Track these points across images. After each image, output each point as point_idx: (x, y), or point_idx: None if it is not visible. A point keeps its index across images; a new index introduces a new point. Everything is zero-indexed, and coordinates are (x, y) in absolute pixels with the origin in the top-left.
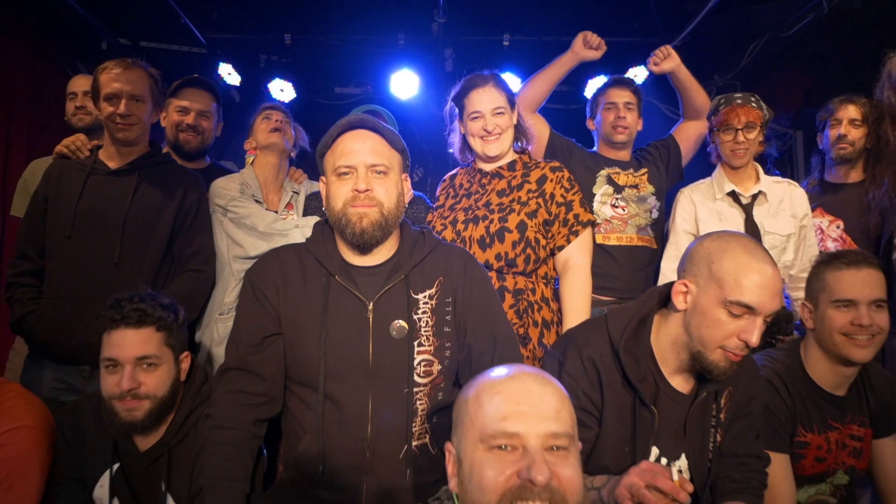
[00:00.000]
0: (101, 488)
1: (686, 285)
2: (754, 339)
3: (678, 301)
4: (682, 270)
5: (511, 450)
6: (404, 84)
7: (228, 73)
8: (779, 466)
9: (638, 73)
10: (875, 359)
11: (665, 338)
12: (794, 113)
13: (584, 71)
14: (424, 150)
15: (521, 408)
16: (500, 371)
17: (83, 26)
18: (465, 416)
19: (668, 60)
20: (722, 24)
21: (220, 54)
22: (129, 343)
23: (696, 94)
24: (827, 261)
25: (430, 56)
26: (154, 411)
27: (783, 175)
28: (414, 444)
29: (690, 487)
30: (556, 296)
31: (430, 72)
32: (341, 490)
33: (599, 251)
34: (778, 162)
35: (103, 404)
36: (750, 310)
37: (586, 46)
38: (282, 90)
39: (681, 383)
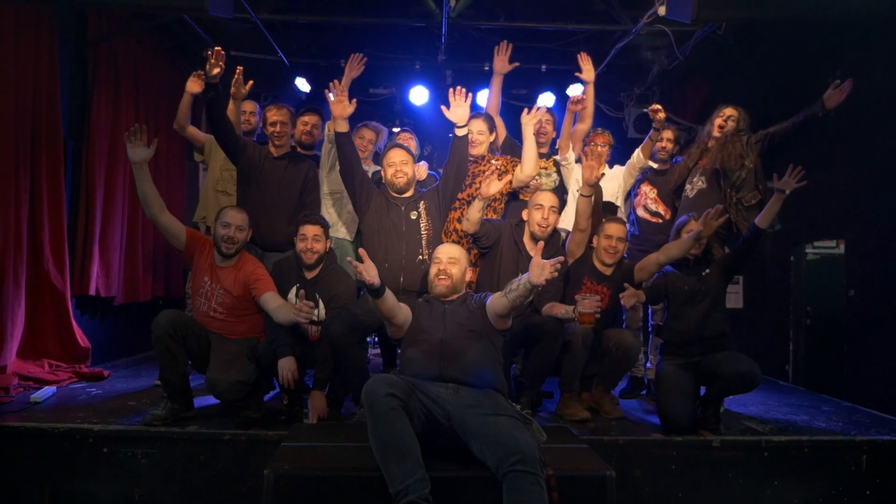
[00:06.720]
0: (291, 294)
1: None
2: (546, 214)
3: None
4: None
5: (437, 262)
6: (419, 95)
7: (302, 84)
8: None
9: (576, 87)
10: None
11: (526, 226)
12: (696, 111)
13: (538, 85)
14: (431, 135)
15: (441, 250)
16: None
17: (195, 42)
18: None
19: (589, 72)
20: (630, 60)
21: (297, 71)
22: (310, 230)
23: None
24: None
25: (436, 76)
26: (317, 260)
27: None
28: (423, 258)
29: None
30: None
31: (436, 86)
32: (392, 279)
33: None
34: (688, 143)
35: (297, 255)
36: (541, 206)
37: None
38: None
39: (530, 244)
